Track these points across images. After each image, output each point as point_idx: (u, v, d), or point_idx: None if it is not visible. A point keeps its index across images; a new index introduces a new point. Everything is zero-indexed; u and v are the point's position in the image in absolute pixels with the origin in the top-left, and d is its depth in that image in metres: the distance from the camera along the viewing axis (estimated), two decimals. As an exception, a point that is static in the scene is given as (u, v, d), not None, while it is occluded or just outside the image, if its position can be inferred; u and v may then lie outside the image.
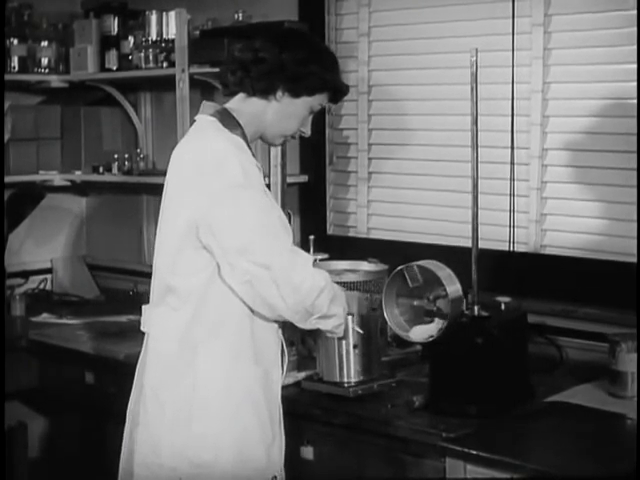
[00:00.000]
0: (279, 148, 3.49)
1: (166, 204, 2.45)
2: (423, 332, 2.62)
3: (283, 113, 2.45)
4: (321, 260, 3.17)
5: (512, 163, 3.17)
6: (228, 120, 2.41)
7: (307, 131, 2.52)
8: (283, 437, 2.48)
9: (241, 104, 2.45)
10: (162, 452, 2.38)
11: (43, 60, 4.11)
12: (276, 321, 2.43)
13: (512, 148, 3.16)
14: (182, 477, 2.37)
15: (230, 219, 2.30)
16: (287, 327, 2.91)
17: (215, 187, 2.30)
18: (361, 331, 2.70)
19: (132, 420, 2.48)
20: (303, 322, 2.39)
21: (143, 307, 2.51)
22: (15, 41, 4.04)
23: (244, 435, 2.38)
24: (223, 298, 2.35)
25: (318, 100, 2.47)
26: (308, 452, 2.76)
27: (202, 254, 2.34)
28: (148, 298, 2.53)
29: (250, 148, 2.43)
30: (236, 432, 2.38)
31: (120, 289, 4.31)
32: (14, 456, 3.43)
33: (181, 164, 2.41)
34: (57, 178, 4.17)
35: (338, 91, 2.52)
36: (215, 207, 2.30)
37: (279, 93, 2.42)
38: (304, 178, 3.76)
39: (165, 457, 2.38)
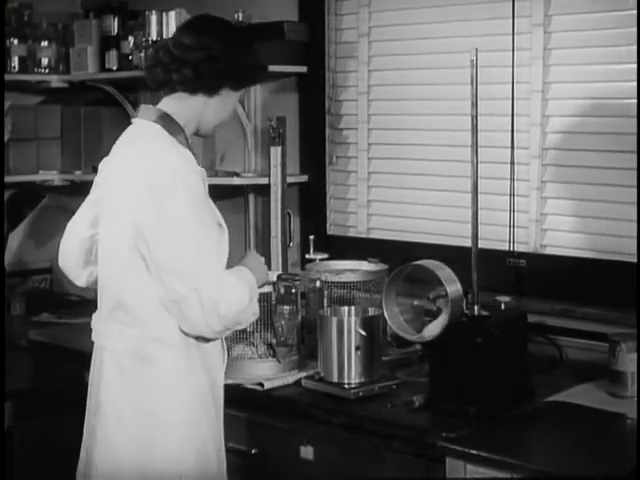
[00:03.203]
0: (279, 148, 3.50)
1: (107, 210, 2.46)
2: (435, 328, 2.62)
3: (223, 106, 2.50)
4: (321, 260, 3.18)
5: (512, 163, 3.17)
6: (171, 126, 2.41)
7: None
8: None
9: (180, 105, 2.45)
10: (123, 466, 2.40)
11: (43, 60, 4.11)
12: None
13: (512, 148, 3.16)
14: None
15: (167, 240, 2.31)
16: (285, 329, 2.93)
17: (158, 205, 2.31)
18: (363, 333, 2.71)
19: (90, 432, 2.49)
20: (222, 335, 2.44)
21: (94, 315, 2.53)
22: (15, 41, 4.03)
23: (201, 445, 2.43)
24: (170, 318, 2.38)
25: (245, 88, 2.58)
26: (308, 452, 2.76)
27: (150, 272, 2.36)
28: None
29: (192, 151, 2.44)
30: (195, 444, 2.42)
31: (120, 289, 4.31)
32: (14, 456, 3.43)
33: (128, 174, 2.39)
34: (57, 178, 4.17)
35: (260, 79, 2.69)
36: (154, 226, 2.31)
37: (223, 90, 2.46)
38: (304, 178, 3.75)
39: (126, 470, 2.40)
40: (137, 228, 2.33)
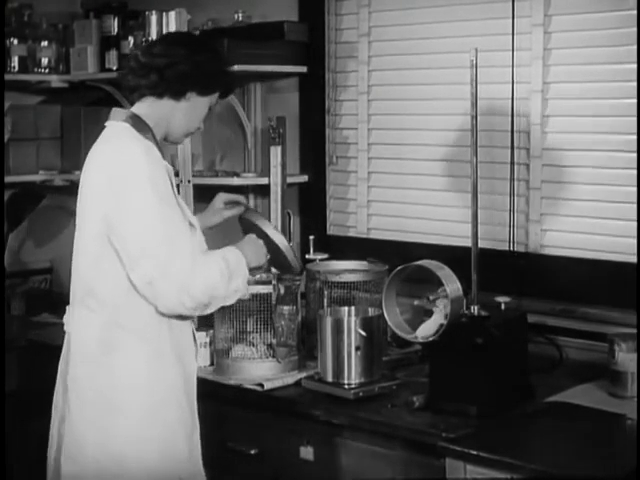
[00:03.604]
0: (279, 148, 3.50)
1: (81, 207, 2.54)
2: (428, 329, 2.63)
3: (191, 112, 2.59)
4: (321, 260, 3.18)
5: (512, 163, 3.17)
6: (139, 125, 2.52)
7: (202, 126, 2.68)
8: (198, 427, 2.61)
9: (149, 108, 2.57)
10: (86, 449, 2.48)
11: (43, 60, 4.11)
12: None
13: (512, 148, 3.17)
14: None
15: (133, 225, 2.41)
16: (285, 330, 2.92)
17: (122, 194, 2.41)
18: (364, 333, 2.71)
19: (59, 416, 2.57)
20: (202, 312, 2.51)
21: (67, 307, 2.59)
22: (15, 41, 4.04)
23: (167, 430, 2.49)
24: (142, 302, 2.45)
25: (215, 97, 2.64)
26: (308, 452, 2.76)
27: (120, 259, 2.44)
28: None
29: (160, 150, 2.55)
30: (159, 428, 2.48)
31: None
32: (14, 456, 3.43)
33: (95, 170, 2.51)
34: (57, 178, 4.17)
35: (232, 87, 2.75)
36: (121, 213, 2.41)
37: (189, 94, 2.56)
38: (304, 178, 3.75)
39: (89, 452, 2.47)
40: (106, 220, 2.43)
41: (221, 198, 2.87)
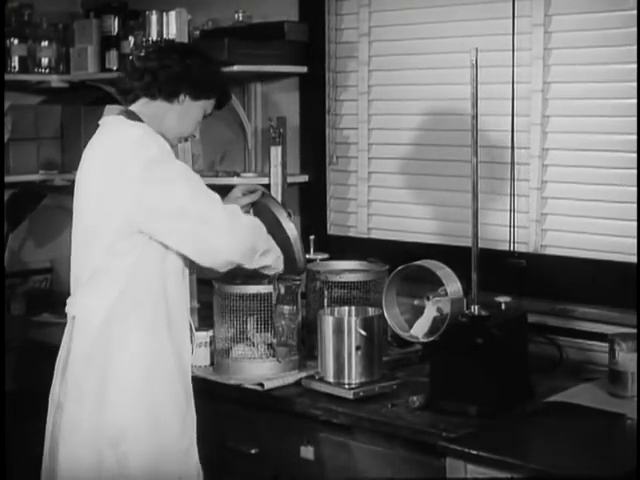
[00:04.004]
0: (279, 148, 3.50)
1: (85, 197, 2.58)
2: (422, 326, 2.63)
3: (183, 115, 2.65)
4: (321, 260, 3.18)
5: (512, 163, 3.17)
6: (133, 117, 2.58)
7: (197, 134, 2.74)
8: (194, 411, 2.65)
9: (143, 108, 2.63)
10: (82, 431, 2.51)
11: (43, 60, 4.11)
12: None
13: (512, 148, 3.17)
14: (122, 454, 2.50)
15: (161, 191, 2.47)
16: (286, 329, 2.93)
17: (137, 167, 2.46)
18: (364, 333, 2.71)
19: (55, 405, 2.60)
20: (249, 261, 2.59)
21: (68, 300, 2.63)
22: (15, 41, 4.04)
23: (157, 405, 2.53)
24: (144, 279, 2.51)
25: (210, 104, 2.69)
26: (308, 452, 2.76)
27: (132, 238, 2.49)
28: None
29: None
30: (149, 403, 2.52)
31: (120, 289, 4.30)
32: (14, 456, 3.43)
33: (97, 158, 2.57)
34: (57, 178, 4.17)
35: (226, 96, 2.79)
36: (143, 186, 2.46)
37: (182, 96, 2.62)
38: (304, 178, 3.75)
39: (85, 435, 2.51)
40: (121, 199, 2.46)
41: (239, 188, 2.91)
